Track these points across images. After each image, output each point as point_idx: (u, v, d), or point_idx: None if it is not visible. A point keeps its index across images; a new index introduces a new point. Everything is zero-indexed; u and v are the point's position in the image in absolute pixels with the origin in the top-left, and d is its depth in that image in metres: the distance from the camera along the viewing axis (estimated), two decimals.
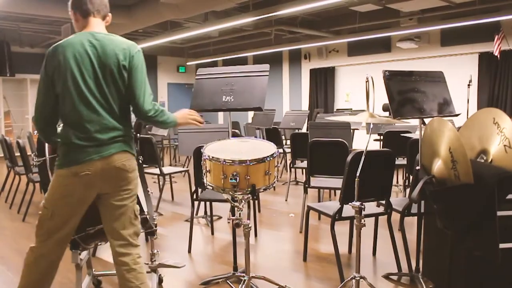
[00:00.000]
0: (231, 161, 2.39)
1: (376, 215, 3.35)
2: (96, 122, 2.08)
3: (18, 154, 5.19)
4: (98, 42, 2.12)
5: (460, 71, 8.59)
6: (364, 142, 2.72)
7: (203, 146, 2.62)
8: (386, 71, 2.87)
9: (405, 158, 4.80)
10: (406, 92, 2.84)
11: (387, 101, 2.74)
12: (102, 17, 2.28)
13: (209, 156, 2.46)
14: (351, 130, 6.46)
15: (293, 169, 6.31)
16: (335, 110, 11.18)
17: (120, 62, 2.10)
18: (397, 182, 6.48)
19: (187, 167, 7.12)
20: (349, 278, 2.76)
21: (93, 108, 2.08)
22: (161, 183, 5.61)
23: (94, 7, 2.22)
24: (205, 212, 4.78)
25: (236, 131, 7.15)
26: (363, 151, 2.65)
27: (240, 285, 2.73)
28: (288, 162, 6.20)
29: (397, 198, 4.21)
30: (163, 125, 2.27)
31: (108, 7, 2.34)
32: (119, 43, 2.15)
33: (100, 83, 2.09)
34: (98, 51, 2.10)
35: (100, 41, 2.13)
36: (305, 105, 12.45)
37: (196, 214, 4.85)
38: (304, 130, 7.17)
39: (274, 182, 2.57)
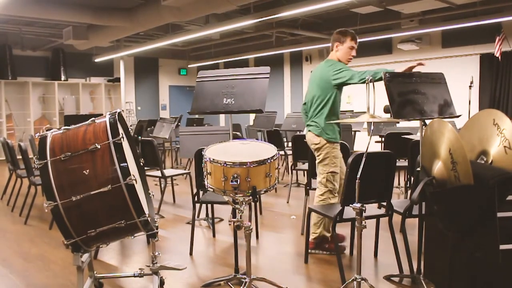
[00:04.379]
0: (231, 163, 2.39)
1: (377, 217, 3.35)
2: None
3: (20, 157, 5.20)
4: None
5: (461, 73, 8.59)
6: (365, 143, 2.72)
7: (204, 148, 2.63)
8: (386, 73, 2.88)
9: (407, 160, 4.80)
10: (406, 94, 2.84)
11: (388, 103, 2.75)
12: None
13: (210, 158, 2.46)
14: (352, 132, 6.46)
15: (294, 171, 6.31)
16: None
17: None
18: (399, 184, 6.48)
19: (188, 170, 7.13)
20: (350, 280, 2.76)
21: None
22: (162, 185, 5.62)
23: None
24: (207, 214, 4.79)
25: (237, 133, 7.16)
26: (364, 153, 2.65)
27: (241, 287, 2.73)
28: (290, 164, 6.20)
29: (399, 200, 4.21)
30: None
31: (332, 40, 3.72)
32: None
33: None
34: None
35: None
36: None
37: (198, 216, 4.85)
38: (305, 132, 7.16)
39: (275, 184, 2.57)
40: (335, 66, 3.53)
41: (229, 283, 3.03)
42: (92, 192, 2.29)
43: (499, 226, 2.07)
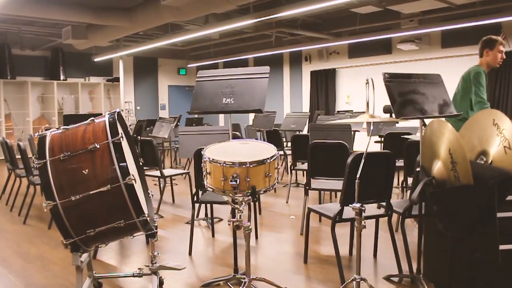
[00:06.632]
0: (231, 163, 2.39)
1: (376, 217, 3.34)
2: None
3: (19, 156, 5.19)
4: None
5: (461, 73, 8.54)
6: (364, 144, 2.72)
7: (203, 148, 2.63)
8: (386, 73, 2.88)
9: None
10: (406, 94, 2.84)
11: (387, 103, 2.75)
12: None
13: (209, 158, 2.46)
14: (352, 132, 6.46)
15: (293, 171, 6.31)
16: (335, 112, 11.18)
17: None
18: (398, 184, 6.47)
19: (187, 169, 7.13)
20: (349, 280, 2.76)
21: None
22: (161, 185, 5.62)
23: None
24: (206, 214, 4.79)
25: (237, 133, 7.15)
26: (363, 153, 2.65)
27: (241, 287, 2.73)
28: (289, 164, 6.20)
29: (398, 200, 4.20)
30: None
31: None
32: None
33: None
34: None
35: None
36: (305, 107, 12.46)
37: (197, 216, 4.85)
38: (304, 132, 7.17)
39: (275, 184, 2.57)
40: (477, 87, 4.27)
41: (228, 283, 3.03)
42: (91, 192, 2.29)
43: (499, 226, 2.07)
